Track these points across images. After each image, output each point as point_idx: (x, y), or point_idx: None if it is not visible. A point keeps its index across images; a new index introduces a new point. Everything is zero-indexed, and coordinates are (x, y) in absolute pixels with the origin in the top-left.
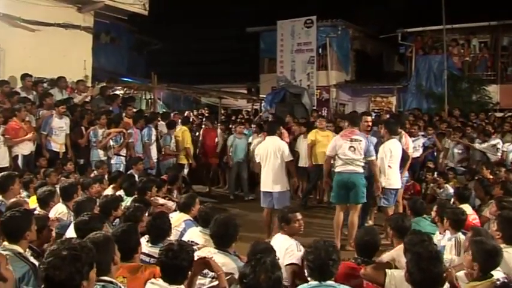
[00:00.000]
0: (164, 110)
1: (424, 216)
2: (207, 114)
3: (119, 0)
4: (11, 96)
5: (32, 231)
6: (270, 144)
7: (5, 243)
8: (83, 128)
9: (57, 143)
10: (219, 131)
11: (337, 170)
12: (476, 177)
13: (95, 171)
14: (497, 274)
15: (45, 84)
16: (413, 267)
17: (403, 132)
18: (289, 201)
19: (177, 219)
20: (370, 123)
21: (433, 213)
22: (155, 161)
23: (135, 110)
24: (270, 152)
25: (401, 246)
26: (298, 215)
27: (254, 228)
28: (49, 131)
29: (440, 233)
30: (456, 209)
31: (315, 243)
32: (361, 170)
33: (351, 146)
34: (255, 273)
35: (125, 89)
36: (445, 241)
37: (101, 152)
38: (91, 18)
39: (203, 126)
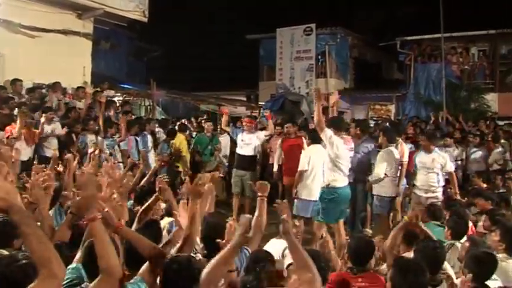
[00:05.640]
0: (163, 117)
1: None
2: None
3: (119, 7)
4: (7, 101)
5: (19, 239)
6: (322, 153)
7: None
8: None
9: (50, 149)
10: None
11: None
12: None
13: None
14: (494, 284)
15: (44, 90)
16: (399, 281)
17: (400, 140)
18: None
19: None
20: None
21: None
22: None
23: (133, 116)
24: (324, 162)
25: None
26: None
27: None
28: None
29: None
30: (458, 219)
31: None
32: None
33: None
34: (257, 281)
35: (124, 96)
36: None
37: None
38: (91, 25)
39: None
